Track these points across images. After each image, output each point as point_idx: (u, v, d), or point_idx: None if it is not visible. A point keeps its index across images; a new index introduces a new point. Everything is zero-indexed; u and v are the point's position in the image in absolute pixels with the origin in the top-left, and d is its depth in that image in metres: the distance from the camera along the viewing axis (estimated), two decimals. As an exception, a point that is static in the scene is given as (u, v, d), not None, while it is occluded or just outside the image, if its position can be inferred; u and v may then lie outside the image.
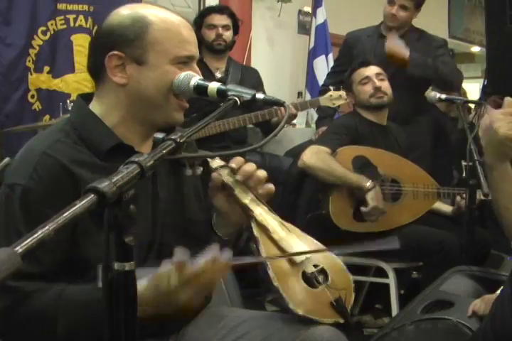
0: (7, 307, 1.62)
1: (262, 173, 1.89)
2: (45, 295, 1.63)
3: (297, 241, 2.01)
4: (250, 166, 1.88)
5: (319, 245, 2.09)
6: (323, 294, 1.97)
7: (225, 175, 1.89)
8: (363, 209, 3.66)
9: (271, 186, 1.91)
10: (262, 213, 1.94)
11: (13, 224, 1.65)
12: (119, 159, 1.68)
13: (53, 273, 1.67)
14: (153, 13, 1.79)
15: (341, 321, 1.95)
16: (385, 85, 4.03)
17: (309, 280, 1.97)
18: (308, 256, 2.01)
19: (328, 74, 5.40)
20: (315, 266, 2.01)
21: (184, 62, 1.78)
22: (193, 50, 1.80)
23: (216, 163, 1.92)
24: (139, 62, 1.75)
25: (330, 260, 2.07)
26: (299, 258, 1.99)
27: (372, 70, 4.05)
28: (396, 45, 4.56)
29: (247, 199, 1.90)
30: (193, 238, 1.93)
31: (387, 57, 4.58)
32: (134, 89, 1.77)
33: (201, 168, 1.77)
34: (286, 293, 1.91)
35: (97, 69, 1.81)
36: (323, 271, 2.01)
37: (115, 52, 1.75)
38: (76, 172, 1.70)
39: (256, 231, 1.95)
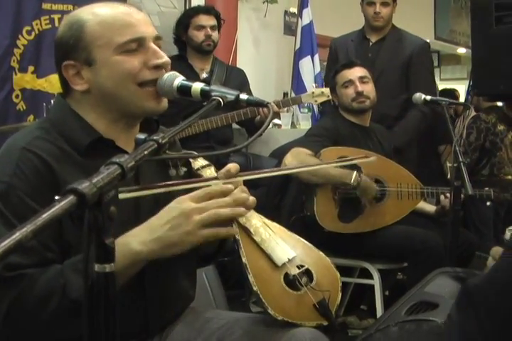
0: (15, 298, 1.58)
1: (251, 202, 1.80)
2: (46, 273, 1.61)
3: (280, 242, 1.99)
4: (240, 195, 1.76)
5: (307, 244, 2.08)
6: (306, 297, 1.94)
7: (207, 176, 1.88)
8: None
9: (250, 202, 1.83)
10: (244, 215, 1.92)
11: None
12: (99, 154, 1.69)
13: (46, 262, 1.65)
14: (88, 12, 1.79)
15: (325, 323, 1.94)
16: (368, 89, 4.02)
17: (292, 282, 1.95)
18: (290, 257, 1.99)
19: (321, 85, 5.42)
20: (299, 266, 1.99)
21: (133, 48, 1.75)
22: (138, 31, 1.76)
23: (198, 163, 1.90)
24: (89, 64, 1.76)
25: (316, 259, 2.05)
26: (280, 261, 1.97)
27: (355, 73, 4.04)
28: None
29: None
30: None
31: None
32: (96, 91, 1.78)
33: (184, 169, 1.76)
34: (265, 298, 1.89)
35: (63, 83, 1.84)
36: (307, 272, 1.99)
37: (66, 62, 1.77)
38: (56, 168, 1.70)
39: (238, 234, 1.94)
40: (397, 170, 3.90)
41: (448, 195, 3.60)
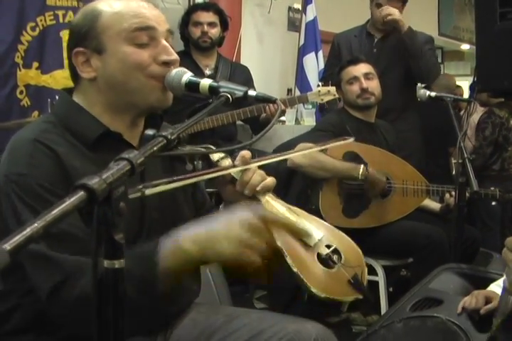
0: (59, 284, 1.58)
1: (270, 182, 1.91)
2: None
3: (308, 224, 2.04)
4: (256, 178, 1.88)
5: (328, 225, 2.13)
6: (341, 273, 2.02)
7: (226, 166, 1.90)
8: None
9: (269, 181, 1.92)
10: (269, 201, 1.95)
11: (20, 213, 1.63)
12: (107, 147, 1.69)
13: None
14: (105, 3, 1.80)
15: (360, 297, 2.02)
16: (373, 85, 4.02)
17: (325, 261, 2.02)
18: (319, 237, 2.04)
19: (320, 79, 5.42)
20: (328, 246, 2.05)
21: (144, 42, 1.76)
22: (149, 21, 1.77)
23: (216, 155, 1.92)
24: (99, 52, 1.76)
25: (340, 238, 2.14)
26: (312, 242, 2.00)
27: (360, 69, 4.04)
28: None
29: None
30: None
31: (383, 23, 4.76)
32: (104, 79, 1.79)
33: (200, 162, 1.77)
34: (306, 279, 1.93)
35: (72, 71, 1.84)
36: (336, 251, 2.06)
37: (76, 49, 1.78)
38: (65, 160, 1.70)
39: None
40: (403, 166, 3.90)
41: (453, 193, 3.60)
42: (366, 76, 4.02)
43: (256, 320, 1.95)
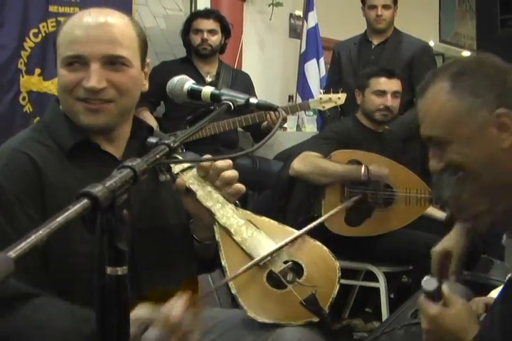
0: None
1: (231, 173, 1.86)
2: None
3: (264, 239, 1.92)
4: (222, 163, 1.84)
5: (295, 234, 2.00)
6: (291, 295, 1.88)
7: (188, 179, 1.86)
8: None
9: (239, 186, 1.88)
10: (225, 215, 1.88)
11: None
12: (85, 156, 1.73)
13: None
14: (74, 16, 1.81)
15: (315, 320, 1.88)
16: (396, 104, 4.03)
17: (275, 281, 1.90)
18: (274, 254, 1.92)
19: (324, 87, 5.44)
20: (286, 262, 1.92)
21: (72, 63, 1.75)
22: (83, 49, 1.74)
23: (178, 167, 1.88)
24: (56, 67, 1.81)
25: (308, 250, 1.98)
26: (260, 260, 1.90)
27: (392, 86, 4.04)
28: None
29: (209, 202, 1.86)
30: (169, 242, 1.92)
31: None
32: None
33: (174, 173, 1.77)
34: (244, 301, 1.85)
35: None
36: (297, 266, 1.92)
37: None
38: (42, 167, 1.72)
39: (218, 235, 1.90)
40: (407, 175, 3.89)
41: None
42: (394, 94, 4.01)
43: (243, 322, 1.94)
